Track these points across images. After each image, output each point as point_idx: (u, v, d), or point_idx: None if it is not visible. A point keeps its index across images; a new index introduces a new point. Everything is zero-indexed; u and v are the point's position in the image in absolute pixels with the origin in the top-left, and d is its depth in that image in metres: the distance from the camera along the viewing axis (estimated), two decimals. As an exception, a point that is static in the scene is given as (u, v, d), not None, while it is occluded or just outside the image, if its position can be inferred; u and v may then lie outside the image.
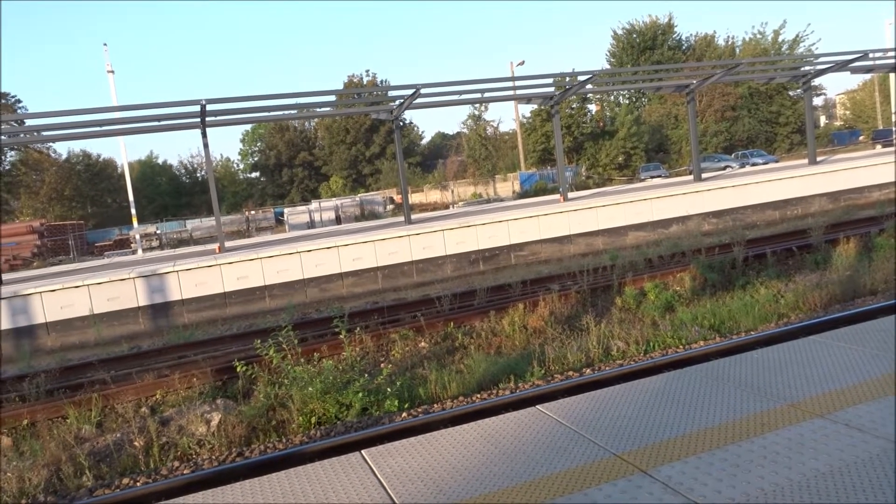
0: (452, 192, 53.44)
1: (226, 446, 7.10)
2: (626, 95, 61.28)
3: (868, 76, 53.65)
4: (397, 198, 50.07)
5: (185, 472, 6.52)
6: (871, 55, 24.88)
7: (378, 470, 3.43)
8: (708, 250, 14.33)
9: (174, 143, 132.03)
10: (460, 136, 71.92)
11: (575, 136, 51.69)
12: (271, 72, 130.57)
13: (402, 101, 20.81)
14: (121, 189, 53.77)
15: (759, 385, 3.98)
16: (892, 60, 26.46)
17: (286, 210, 47.50)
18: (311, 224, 42.35)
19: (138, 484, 6.32)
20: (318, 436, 7.05)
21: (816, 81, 34.47)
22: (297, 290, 16.54)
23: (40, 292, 14.60)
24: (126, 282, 15.18)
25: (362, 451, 3.73)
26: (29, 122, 24.64)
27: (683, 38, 62.62)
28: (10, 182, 54.72)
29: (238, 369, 8.65)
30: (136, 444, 7.22)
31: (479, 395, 7.71)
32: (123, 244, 43.56)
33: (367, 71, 71.27)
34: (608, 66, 59.80)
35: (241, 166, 77.83)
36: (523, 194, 43.22)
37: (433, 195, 56.33)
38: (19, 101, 54.01)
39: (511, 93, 24.22)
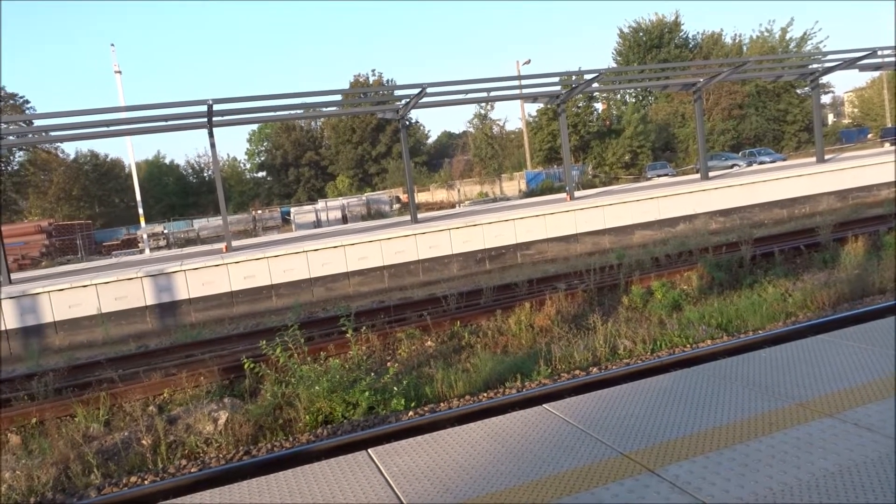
0: (458, 191, 53.46)
1: (233, 445, 7.12)
2: (633, 94, 61.14)
3: (876, 74, 53.37)
4: (403, 197, 50.11)
5: (192, 470, 6.54)
6: (879, 52, 24.71)
7: (385, 469, 3.43)
8: (715, 249, 14.28)
9: (181, 143, 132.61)
10: (466, 135, 71.86)
11: (581, 134, 51.60)
12: (277, 71, 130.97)
13: (407, 100, 20.81)
14: (128, 189, 54.04)
15: (767, 384, 3.96)
16: (901, 58, 26.28)
17: (292, 209, 47.61)
18: (318, 223, 42.43)
19: (146, 482, 6.34)
20: (324, 434, 7.05)
21: (824, 79, 34.22)
22: (304, 290, 16.56)
23: (48, 291, 14.67)
24: (133, 281, 15.23)
25: (369, 450, 3.73)
26: (37, 123, 24.79)
27: (690, 36, 62.47)
28: (18, 182, 55.05)
29: (245, 367, 8.67)
30: (143, 442, 7.25)
31: (485, 394, 7.71)
32: (131, 244, 43.79)
33: (373, 70, 71.28)
34: (614, 65, 59.65)
35: (248, 166, 78.11)
36: (529, 193, 43.16)
37: (439, 194, 56.36)
38: (27, 102, 54.35)
39: (517, 92, 24.18)
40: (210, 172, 68.08)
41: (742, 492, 2.78)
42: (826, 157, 27.91)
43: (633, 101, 60.43)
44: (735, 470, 2.97)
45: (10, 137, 20.58)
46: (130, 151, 44.43)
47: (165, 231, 45.08)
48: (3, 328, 14.36)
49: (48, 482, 6.55)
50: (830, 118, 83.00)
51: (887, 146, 40.50)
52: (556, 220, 19.12)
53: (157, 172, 70.94)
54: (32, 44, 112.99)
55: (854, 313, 8.59)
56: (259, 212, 51.54)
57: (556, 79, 23.05)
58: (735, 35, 63.12)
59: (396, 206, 49.10)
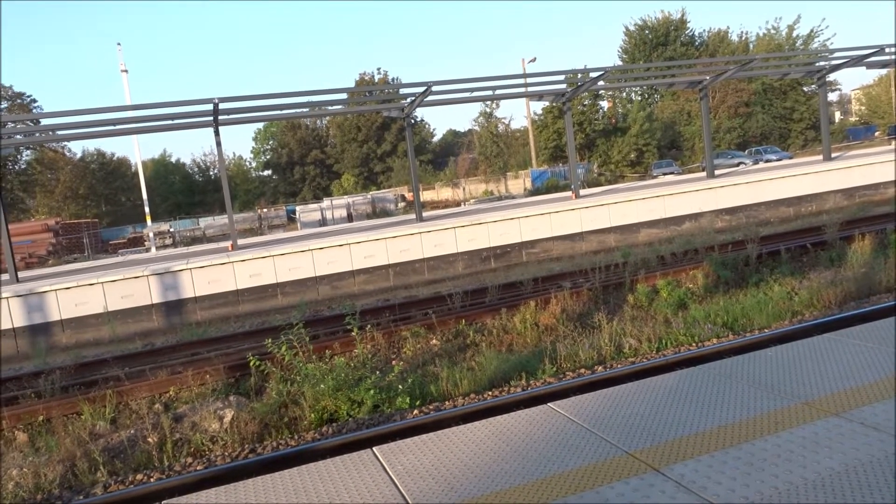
0: (464, 189, 53.46)
1: (238, 443, 7.14)
2: (639, 92, 60.97)
3: (884, 71, 53.10)
4: (409, 195, 50.13)
5: (198, 468, 6.57)
6: (887, 50, 24.56)
7: (389, 467, 3.43)
8: (721, 247, 14.23)
9: (187, 142, 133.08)
10: (472, 133, 71.85)
11: (587, 132, 51.51)
12: (281, 71, 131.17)
13: (413, 98, 20.80)
14: (134, 187, 54.27)
15: (772, 383, 3.94)
16: (909, 55, 26.11)
17: (298, 208, 47.68)
18: (323, 222, 42.48)
19: (152, 480, 6.37)
20: (329, 433, 7.07)
21: (831, 77, 34.08)
22: (309, 288, 16.59)
23: (55, 290, 14.73)
24: (140, 279, 15.29)
25: (374, 448, 3.73)
26: (44, 122, 24.90)
27: (696, 33, 62.27)
28: (25, 181, 55.27)
29: (251, 364, 8.70)
30: (149, 440, 7.28)
31: (490, 393, 7.71)
32: (137, 242, 43.95)
33: (379, 69, 71.28)
34: (620, 63, 59.52)
35: (254, 164, 78.25)
36: (535, 191, 43.11)
37: (444, 193, 56.38)
38: (35, 101, 54.52)
39: (522, 90, 24.14)
40: (216, 171, 68.25)
41: (748, 491, 2.77)
42: (833, 155, 27.77)
43: (639, 99, 60.28)
44: (741, 469, 2.96)
45: (18, 136, 20.68)
46: (137, 150, 44.63)
47: (171, 229, 45.23)
48: (1, 326, 14.41)
49: (55, 479, 6.59)
50: (837, 116, 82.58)
51: (895, 144, 40.27)
52: (561, 219, 19.09)
53: (164, 171, 71.17)
54: (39, 43, 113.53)
55: (860, 312, 8.56)
56: (265, 210, 51.66)
57: (562, 77, 23.02)
58: (741, 33, 62.91)
59: (402, 204, 49.14)
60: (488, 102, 58.48)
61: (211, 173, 70.54)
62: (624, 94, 60.04)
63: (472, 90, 21.34)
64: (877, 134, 60.69)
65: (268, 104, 19.97)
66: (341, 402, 7.45)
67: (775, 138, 57.02)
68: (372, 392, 7.45)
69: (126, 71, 35.32)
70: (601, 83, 24.11)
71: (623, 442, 3.38)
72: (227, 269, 15.98)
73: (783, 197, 21.63)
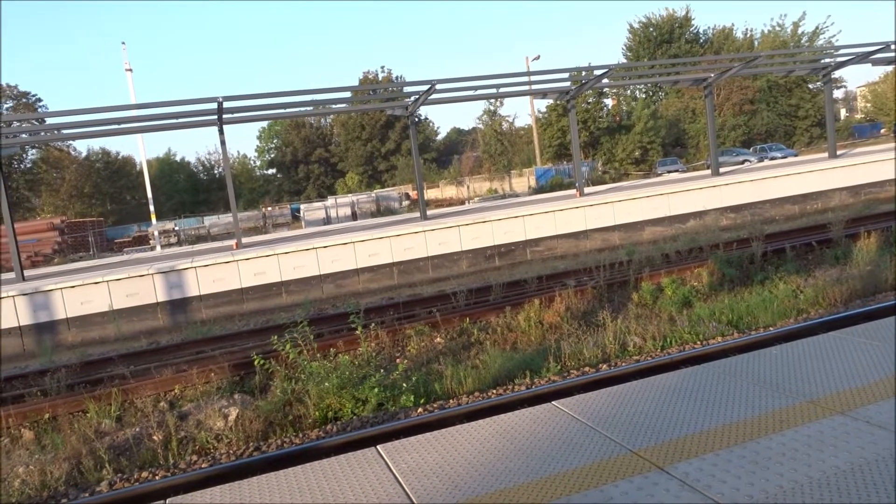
0: (468, 187, 53.40)
1: (243, 441, 7.15)
2: (643, 89, 60.81)
3: (890, 68, 52.79)
4: (413, 194, 50.13)
5: (203, 466, 6.59)
6: (892, 46, 24.44)
7: (394, 465, 3.43)
8: (726, 245, 14.20)
9: (192, 141, 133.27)
10: (476, 131, 71.78)
11: (591, 130, 51.43)
12: (285, 69, 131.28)
13: (417, 96, 20.80)
14: (139, 186, 54.37)
15: (777, 381, 3.93)
16: (915, 52, 25.97)
17: (302, 206, 47.75)
18: (328, 220, 42.53)
19: (157, 477, 6.39)
20: (334, 431, 7.08)
21: (836, 74, 33.97)
22: (314, 286, 16.61)
23: (61, 288, 14.78)
24: (145, 278, 15.33)
25: (378, 447, 3.74)
26: (49, 121, 24.97)
27: (701, 31, 62.05)
28: (31, 180, 55.47)
29: (256, 363, 8.72)
30: (154, 438, 7.30)
31: (494, 391, 7.71)
32: (142, 241, 44.06)
33: (383, 67, 71.22)
34: (624, 61, 59.39)
35: (258, 163, 78.29)
36: (539, 190, 43.07)
37: (449, 191, 56.35)
38: (40, 100, 54.69)
39: (527, 88, 24.11)
40: (220, 170, 68.34)
41: (752, 490, 2.77)
42: (838, 152, 27.67)
43: (644, 96, 60.14)
44: (745, 468, 2.96)
45: (23, 135, 20.74)
46: (141, 149, 44.67)
47: (176, 228, 45.31)
48: (1, 326, 14.46)
49: (61, 477, 6.61)
50: (843, 113, 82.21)
51: (899, 141, 40.07)
52: (565, 217, 19.07)
53: (168, 170, 71.30)
54: (44, 43, 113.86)
55: (866, 310, 8.53)
56: (269, 209, 51.70)
57: (566, 75, 22.97)
58: (746, 30, 62.76)
59: (406, 202, 49.15)
60: (492, 100, 58.42)
61: (215, 172, 70.66)
62: (628, 91, 59.90)
63: (476, 88, 21.31)
64: (882, 131, 60.44)
65: (272, 103, 19.98)
66: (345, 401, 7.46)
67: (780, 136, 56.84)
68: (376, 390, 7.46)
69: (130, 70, 35.50)
70: (605, 81, 24.03)
71: (627, 440, 3.38)
72: (231, 267, 16.01)
73: (788, 195, 21.57)
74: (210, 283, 15.81)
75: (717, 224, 19.87)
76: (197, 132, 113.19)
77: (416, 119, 25.59)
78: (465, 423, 4.07)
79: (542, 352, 8.81)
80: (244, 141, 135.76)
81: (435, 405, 7.45)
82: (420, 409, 7.34)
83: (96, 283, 15.01)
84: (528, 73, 24.28)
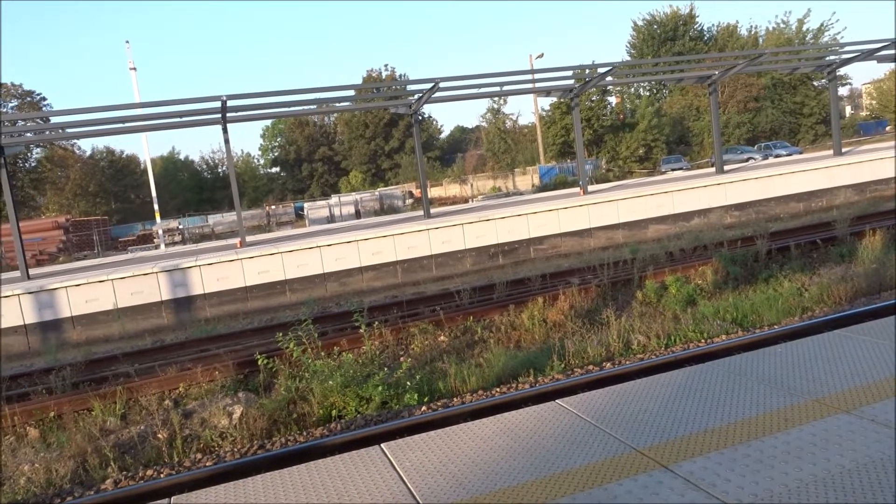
0: (471, 185, 53.43)
1: (247, 439, 7.17)
2: (647, 87, 60.71)
3: (895, 65, 52.56)
4: (416, 192, 50.14)
5: (207, 464, 6.60)
6: (898, 43, 24.33)
7: (397, 463, 3.43)
8: (730, 243, 14.16)
9: (196, 139, 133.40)
10: (479, 129, 71.77)
11: (595, 128, 51.34)
12: (289, 68, 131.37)
13: (420, 95, 20.79)
14: (144, 185, 54.49)
15: (782, 380, 3.92)
16: (921, 49, 25.84)
17: (306, 205, 47.82)
18: (331, 218, 42.58)
19: (162, 476, 6.41)
20: (337, 429, 7.09)
21: (842, 71, 33.90)
22: (317, 285, 16.63)
23: (66, 287, 14.83)
24: (149, 276, 15.36)
25: (382, 445, 3.74)
26: (54, 120, 25.02)
27: (705, 28, 61.91)
28: (36, 178, 55.64)
29: (259, 363, 8.73)
30: (159, 436, 7.32)
31: (498, 389, 7.70)
32: (146, 239, 44.17)
33: (386, 65, 71.27)
34: (628, 58, 59.25)
35: (262, 161, 78.46)
36: (543, 188, 43.02)
37: (452, 189, 56.37)
38: (44, 99, 54.82)
39: (530, 86, 24.06)
40: (224, 168, 68.48)
41: (757, 488, 2.76)
42: (843, 149, 27.56)
43: (648, 94, 60.00)
44: (750, 466, 2.95)
45: (28, 134, 20.80)
46: (146, 147, 44.90)
47: (180, 227, 45.42)
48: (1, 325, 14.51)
49: (66, 475, 6.64)
50: (848, 110, 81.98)
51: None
52: (569, 215, 19.04)
53: (172, 168, 71.51)
54: (49, 42, 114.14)
55: (871, 308, 8.50)
56: (273, 207, 51.78)
57: (570, 72, 22.91)
58: (751, 27, 62.71)
59: (409, 201, 49.15)
60: (496, 99, 58.38)
61: (219, 170, 70.82)
62: (632, 89, 59.80)
63: (479, 86, 21.30)
64: (888, 128, 60.21)
65: (275, 101, 19.98)
66: (349, 399, 7.47)
67: (785, 133, 56.66)
68: (380, 388, 7.47)
69: (135, 69, 35.54)
70: (609, 79, 23.97)
71: (632, 439, 3.37)
72: (235, 265, 16.04)
73: (793, 192, 21.49)
74: (214, 282, 15.84)
75: (721, 222, 19.82)
76: (201, 131, 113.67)
77: (420, 117, 25.57)
78: (469, 421, 4.07)
79: (545, 350, 8.80)
80: (248, 139, 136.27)
81: (439, 403, 7.46)
82: (424, 408, 7.35)
83: (101, 281, 15.05)
84: (532, 71, 24.20)
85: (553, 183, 42.74)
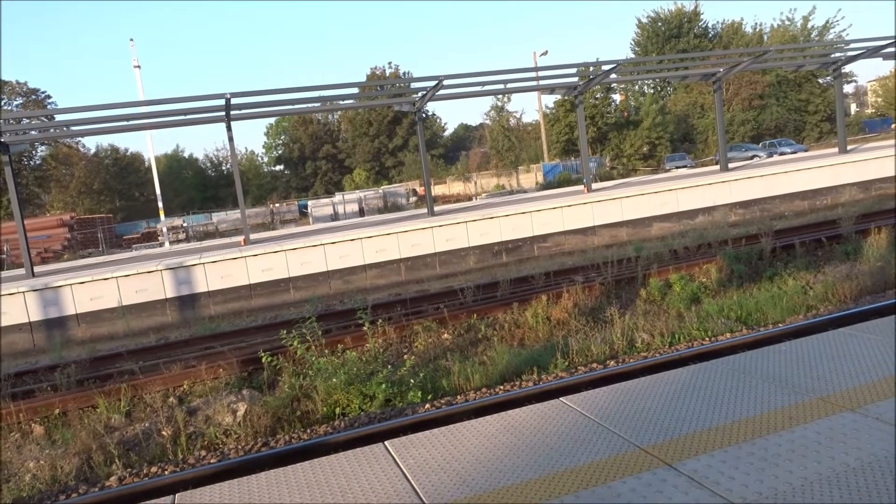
0: (475, 183, 53.38)
1: (251, 436, 7.19)
2: (651, 85, 60.53)
3: (901, 62, 52.29)
4: (420, 190, 50.11)
5: (211, 461, 6.62)
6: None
7: (401, 461, 3.44)
8: (735, 241, 14.13)
9: (200, 137, 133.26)
10: (483, 127, 71.66)
11: (599, 126, 51.20)
12: (292, 65, 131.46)
13: (424, 92, 20.77)
14: (148, 182, 54.63)
15: (787, 378, 3.91)
16: (927, 46, 25.71)
17: (310, 202, 47.85)
18: (335, 216, 42.60)
19: (166, 472, 6.43)
20: (341, 427, 7.10)
21: (847, 68, 33.71)
22: (321, 282, 16.65)
23: (70, 284, 14.87)
24: (153, 274, 15.40)
25: (385, 442, 3.74)
26: (58, 118, 25.09)
27: (710, 25, 61.65)
28: (40, 176, 55.78)
29: (264, 360, 8.75)
30: (164, 433, 7.34)
31: (502, 387, 7.70)
32: (151, 237, 44.26)
33: (390, 63, 71.30)
34: (633, 56, 59.10)
35: (266, 159, 78.50)
36: (546, 185, 42.96)
37: (456, 187, 56.34)
38: (49, 97, 54.91)
39: (534, 83, 24.01)
40: (228, 166, 68.56)
41: (761, 486, 2.76)
42: (849, 147, 27.46)
43: (652, 91, 59.82)
44: (754, 464, 2.94)
45: (33, 132, 20.85)
46: (150, 145, 44.85)
47: (185, 224, 45.47)
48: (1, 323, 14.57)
49: (71, 472, 6.67)
50: (853, 108, 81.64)
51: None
52: (573, 213, 19.02)
53: (177, 166, 71.58)
54: (53, 40, 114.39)
55: (876, 306, 8.47)
56: (277, 205, 51.85)
57: (574, 70, 22.86)
58: (756, 24, 62.20)
59: (413, 199, 49.14)
60: (500, 96, 58.30)
61: (223, 168, 70.90)
62: (636, 87, 59.61)
63: (483, 84, 21.26)
64: (893, 126, 59.88)
65: (279, 99, 20.00)
66: (353, 397, 7.48)
67: (790, 131, 56.44)
68: (384, 386, 7.47)
69: (139, 67, 35.63)
70: (613, 76, 23.95)
71: (635, 437, 3.37)
72: (239, 263, 16.06)
73: (798, 190, 21.42)
74: (218, 280, 15.87)
75: (725, 220, 19.78)
76: (205, 128, 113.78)
77: (424, 115, 25.60)
78: (473, 419, 4.07)
79: (549, 348, 8.79)
80: (252, 137, 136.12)
81: (442, 401, 7.46)
82: (427, 405, 7.35)
83: (105, 279, 15.09)
84: (536, 69, 24.17)
85: (557, 181, 42.68)
